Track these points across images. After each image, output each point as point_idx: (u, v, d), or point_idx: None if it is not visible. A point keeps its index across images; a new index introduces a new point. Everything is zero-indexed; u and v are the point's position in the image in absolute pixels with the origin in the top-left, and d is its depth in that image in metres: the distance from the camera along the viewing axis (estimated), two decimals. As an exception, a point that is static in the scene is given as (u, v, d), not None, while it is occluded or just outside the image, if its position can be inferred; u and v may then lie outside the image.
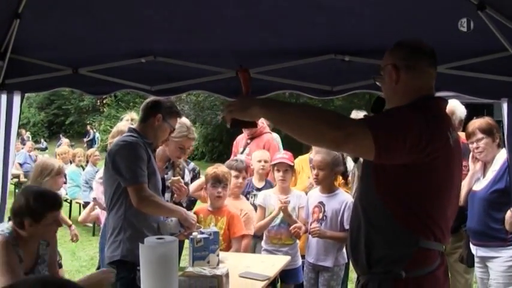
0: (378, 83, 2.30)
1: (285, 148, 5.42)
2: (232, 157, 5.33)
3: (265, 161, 4.69)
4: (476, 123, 3.71)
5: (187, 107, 21.24)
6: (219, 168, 4.12)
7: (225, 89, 3.68)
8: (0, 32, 3.45)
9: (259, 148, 5.40)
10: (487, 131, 3.62)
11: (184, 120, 3.94)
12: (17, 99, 3.82)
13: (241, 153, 5.57)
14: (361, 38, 3.26)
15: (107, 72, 3.74)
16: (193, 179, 4.53)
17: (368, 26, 3.10)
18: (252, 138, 5.63)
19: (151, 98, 3.62)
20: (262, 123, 5.77)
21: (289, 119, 1.98)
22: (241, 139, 5.84)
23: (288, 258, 3.80)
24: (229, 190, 4.14)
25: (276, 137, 5.70)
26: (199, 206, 4.27)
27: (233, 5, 3.15)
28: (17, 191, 12.59)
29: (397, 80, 2.16)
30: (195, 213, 4.04)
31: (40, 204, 2.82)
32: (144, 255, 2.58)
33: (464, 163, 3.90)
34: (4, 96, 3.76)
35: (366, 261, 2.10)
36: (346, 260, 3.92)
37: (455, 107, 3.99)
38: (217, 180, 4.01)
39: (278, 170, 4.26)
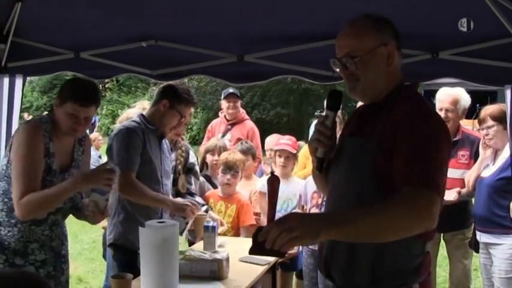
0: (348, 69, 1.97)
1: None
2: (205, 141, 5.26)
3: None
4: (488, 110, 3.70)
5: (189, 92, 21.20)
6: (232, 155, 4.10)
7: (226, 73, 3.66)
8: (2, 15, 3.43)
9: (242, 135, 5.39)
10: (498, 118, 3.60)
11: None
12: (18, 82, 3.83)
13: (221, 138, 5.51)
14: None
15: (108, 56, 3.73)
16: None
17: (370, 11, 3.07)
18: (234, 124, 5.59)
19: (166, 82, 3.61)
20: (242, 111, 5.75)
21: (371, 230, 1.67)
22: (219, 124, 5.76)
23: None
24: (240, 178, 4.13)
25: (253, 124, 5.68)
26: (211, 191, 4.27)
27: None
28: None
29: (391, 63, 1.95)
30: (206, 197, 4.04)
31: (77, 90, 2.70)
32: (145, 239, 2.60)
33: (461, 152, 3.92)
34: (6, 80, 3.76)
35: (369, 276, 1.89)
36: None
37: (460, 96, 3.96)
38: (227, 167, 4.00)
39: (280, 156, 4.24)
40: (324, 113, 2.04)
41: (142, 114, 3.47)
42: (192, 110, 3.96)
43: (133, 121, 3.41)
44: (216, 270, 2.86)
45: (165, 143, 3.59)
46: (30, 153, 2.62)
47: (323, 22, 3.28)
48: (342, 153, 2.03)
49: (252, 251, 1.72)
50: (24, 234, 2.69)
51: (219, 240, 3.50)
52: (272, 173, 1.97)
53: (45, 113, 2.82)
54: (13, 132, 3.85)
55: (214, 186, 4.31)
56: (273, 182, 1.93)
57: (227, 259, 2.92)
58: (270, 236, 1.56)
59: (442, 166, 1.82)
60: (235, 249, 3.36)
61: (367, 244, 1.84)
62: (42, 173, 2.66)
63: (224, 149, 4.47)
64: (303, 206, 4.06)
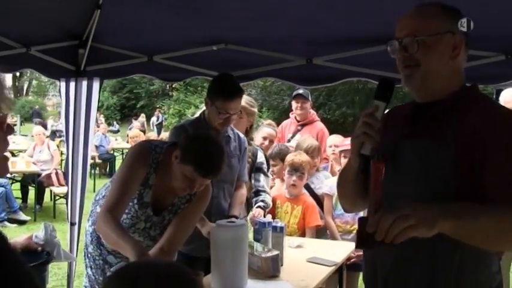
0: (407, 52, 1.72)
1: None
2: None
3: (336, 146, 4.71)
4: None
5: (255, 92, 21.41)
6: (298, 156, 4.10)
7: (295, 76, 3.72)
8: (83, 22, 3.63)
9: (311, 136, 5.40)
10: None
11: None
12: (96, 85, 4.06)
13: (291, 139, 5.55)
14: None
15: (179, 60, 3.87)
16: None
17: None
18: (304, 124, 5.62)
19: None
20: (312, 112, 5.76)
21: (490, 231, 1.49)
22: (289, 124, 5.80)
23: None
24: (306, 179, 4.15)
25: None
26: (277, 192, 4.31)
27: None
28: (92, 171, 13.15)
29: (457, 56, 1.68)
30: (273, 198, 4.06)
31: (202, 161, 2.38)
32: (216, 238, 2.68)
33: None
34: (85, 83, 3.99)
35: None
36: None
37: None
38: (294, 169, 4.02)
39: (345, 156, 4.22)
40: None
41: (203, 112, 3.37)
42: (254, 108, 3.94)
43: (196, 117, 3.42)
44: (261, 266, 2.89)
45: (235, 142, 3.41)
46: (127, 174, 2.51)
47: (390, 24, 3.26)
48: (402, 158, 1.72)
49: (360, 245, 1.51)
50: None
51: (298, 240, 3.57)
52: (378, 154, 1.65)
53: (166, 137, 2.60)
54: (91, 131, 4.09)
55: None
56: (378, 164, 1.59)
57: (273, 259, 2.89)
58: (382, 225, 1.38)
59: None
60: (303, 250, 3.42)
61: (448, 262, 1.63)
62: (132, 199, 2.55)
63: (318, 149, 4.48)
64: None
